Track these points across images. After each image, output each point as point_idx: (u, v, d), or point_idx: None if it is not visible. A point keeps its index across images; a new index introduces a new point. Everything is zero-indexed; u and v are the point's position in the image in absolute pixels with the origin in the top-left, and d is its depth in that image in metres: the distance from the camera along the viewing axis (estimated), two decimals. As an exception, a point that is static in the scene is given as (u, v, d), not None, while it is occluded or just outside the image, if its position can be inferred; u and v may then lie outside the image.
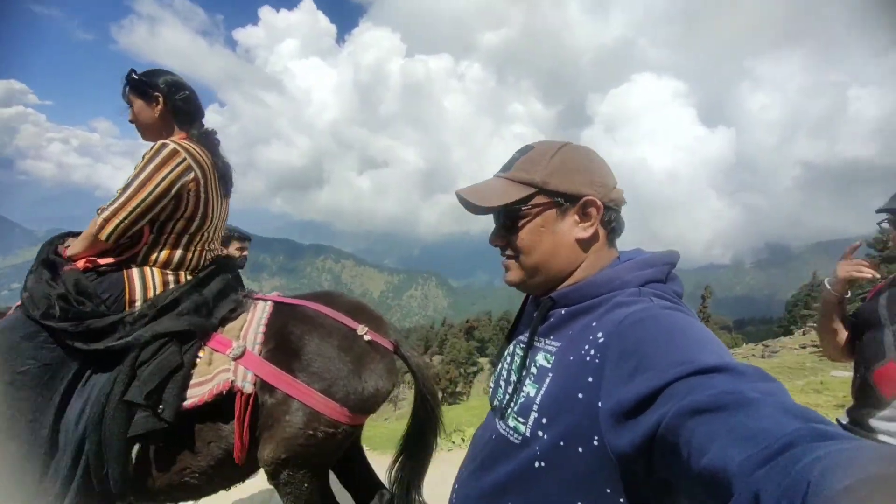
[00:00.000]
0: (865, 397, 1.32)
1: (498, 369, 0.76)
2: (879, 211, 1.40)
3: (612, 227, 0.66)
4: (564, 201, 0.64)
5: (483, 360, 70.56)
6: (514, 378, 0.68)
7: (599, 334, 0.55)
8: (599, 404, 0.49)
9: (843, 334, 1.45)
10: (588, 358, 0.54)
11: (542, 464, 0.54)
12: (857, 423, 1.35)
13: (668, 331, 0.49)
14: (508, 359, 0.74)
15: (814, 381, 8.79)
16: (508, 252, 0.69)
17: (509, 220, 0.66)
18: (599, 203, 0.63)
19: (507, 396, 0.67)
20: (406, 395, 63.06)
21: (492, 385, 0.77)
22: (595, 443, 0.49)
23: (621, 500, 0.49)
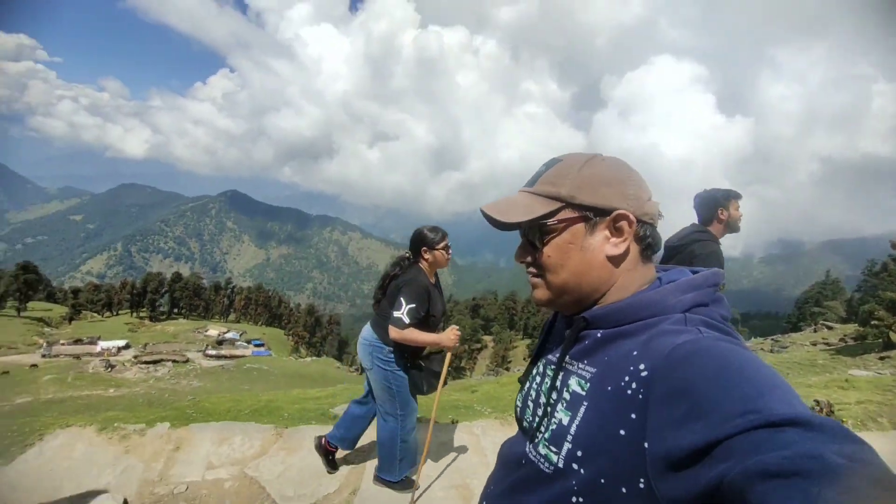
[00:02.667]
0: None
1: (525, 388, 0.72)
2: None
3: (647, 242, 0.61)
4: (594, 215, 0.59)
5: (487, 338, 71.63)
6: (542, 400, 0.64)
7: (642, 366, 0.50)
8: (646, 445, 0.45)
9: None
10: (630, 392, 0.50)
11: (581, 499, 0.51)
12: None
13: (723, 368, 0.44)
14: (538, 378, 0.69)
15: (837, 379, 8.87)
16: (533, 269, 0.64)
17: (534, 236, 0.62)
18: (632, 217, 0.59)
19: (537, 420, 0.64)
20: (410, 368, 64.60)
21: (519, 404, 0.73)
22: (641, 485, 0.45)
23: None
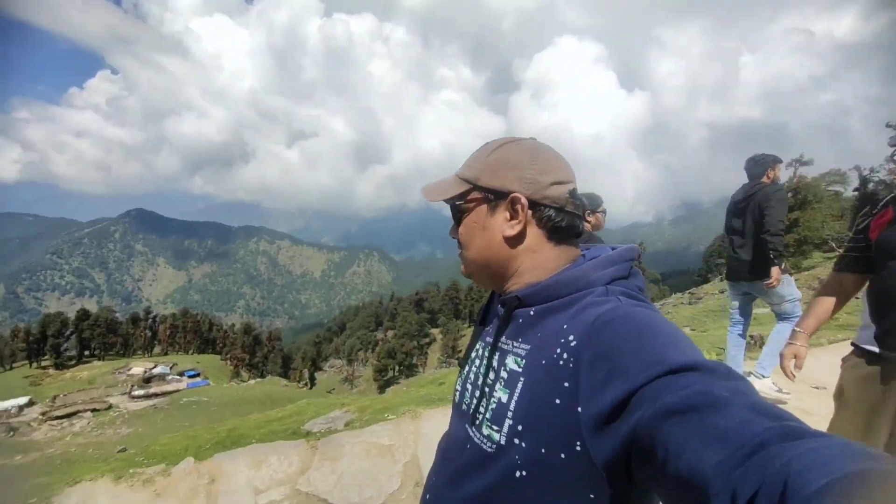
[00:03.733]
0: None
1: (465, 371, 0.73)
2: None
3: (552, 225, 0.63)
4: (494, 198, 0.64)
5: (435, 331, 72.22)
6: (481, 382, 0.66)
7: (571, 337, 0.54)
8: (579, 409, 0.49)
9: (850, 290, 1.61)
10: (561, 362, 0.53)
11: (524, 472, 0.53)
12: (893, 347, 1.42)
13: (638, 330, 0.49)
14: (476, 361, 0.71)
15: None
16: (458, 246, 0.70)
17: (453, 215, 0.69)
18: (524, 200, 0.62)
19: (476, 401, 0.65)
20: (362, 373, 63.34)
21: (458, 387, 0.74)
22: (577, 448, 0.48)
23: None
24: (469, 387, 0.70)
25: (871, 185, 25.97)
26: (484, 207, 0.65)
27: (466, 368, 0.74)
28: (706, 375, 0.42)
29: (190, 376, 46.38)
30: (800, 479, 0.28)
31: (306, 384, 57.40)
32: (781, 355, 1.68)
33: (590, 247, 0.70)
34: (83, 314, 59.92)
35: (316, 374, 63.99)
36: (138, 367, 48.28)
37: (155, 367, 48.72)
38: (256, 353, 63.00)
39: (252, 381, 45.55)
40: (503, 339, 0.64)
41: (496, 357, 0.64)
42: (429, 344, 67.07)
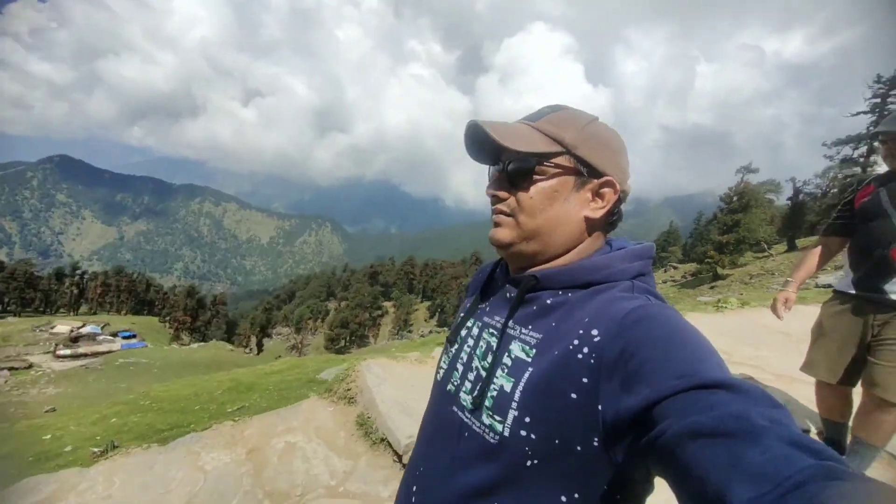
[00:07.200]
0: (880, 270, 1.71)
1: (454, 349, 0.69)
2: (876, 132, 1.75)
3: (614, 218, 0.62)
4: (587, 173, 0.58)
5: (388, 304, 72.27)
6: (477, 365, 0.62)
7: (594, 332, 0.51)
8: (600, 407, 0.47)
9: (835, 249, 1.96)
10: (580, 356, 0.50)
11: (535, 461, 0.51)
12: (870, 289, 1.76)
13: (668, 335, 0.47)
14: (470, 341, 0.66)
15: (696, 306, 11.05)
16: (504, 207, 0.61)
17: (521, 172, 0.59)
18: (618, 187, 0.59)
19: (469, 384, 0.61)
20: (311, 342, 62.36)
21: (444, 366, 0.70)
22: (595, 443, 0.47)
23: (618, 495, 0.49)
24: (460, 367, 0.65)
25: (801, 196, 28.48)
26: (571, 179, 0.58)
27: (456, 346, 0.69)
28: (741, 397, 0.39)
29: (124, 337, 43.55)
30: None
31: (252, 350, 55.73)
32: (774, 299, 1.99)
33: (612, 239, 0.67)
34: (-3, 265, 54.10)
35: (263, 340, 62.27)
36: (63, 326, 44.59)
37: (83, 326, 45.24)
38: (199, 317, 60.13)
39: (195, 345, 43.61)
40: (511, 323, 0.59)
41: (498, 341, 0.60)
42: (381, 316, 67.08)
